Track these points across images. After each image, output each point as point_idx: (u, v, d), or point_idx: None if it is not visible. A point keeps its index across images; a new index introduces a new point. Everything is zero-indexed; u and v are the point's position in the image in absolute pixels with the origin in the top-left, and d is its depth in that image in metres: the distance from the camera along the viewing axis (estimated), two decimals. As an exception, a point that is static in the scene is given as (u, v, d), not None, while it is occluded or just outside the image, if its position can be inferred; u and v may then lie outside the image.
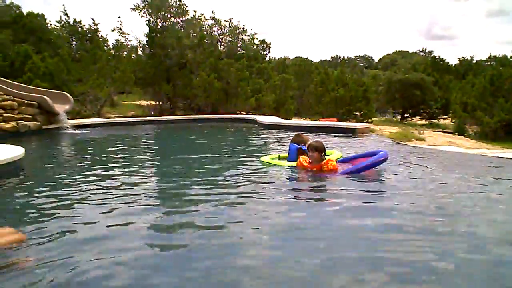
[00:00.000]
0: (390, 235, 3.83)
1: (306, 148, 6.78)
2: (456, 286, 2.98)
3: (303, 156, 6.74)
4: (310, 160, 6.57)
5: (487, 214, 4.64)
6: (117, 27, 25.23)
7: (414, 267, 3.21)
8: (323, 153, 6.52)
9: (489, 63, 61.08)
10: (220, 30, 27.46)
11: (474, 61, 60.04)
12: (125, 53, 25.24)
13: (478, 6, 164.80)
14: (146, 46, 25.63)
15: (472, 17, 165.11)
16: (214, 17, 27.19)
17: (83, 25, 25.65)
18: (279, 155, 7.69)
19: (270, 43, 28.02)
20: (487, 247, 3.62)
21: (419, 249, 3.53)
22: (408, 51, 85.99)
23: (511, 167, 7.98)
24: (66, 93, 16.18)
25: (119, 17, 25.45)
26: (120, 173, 6.92)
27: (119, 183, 5.95)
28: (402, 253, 3.44)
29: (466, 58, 60.62)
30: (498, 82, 27.68)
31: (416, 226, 4.09)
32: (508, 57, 56.38)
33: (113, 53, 24.58)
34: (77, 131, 14.75)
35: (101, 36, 25.53)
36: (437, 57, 55.50)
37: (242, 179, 6.16)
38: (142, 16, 25.73)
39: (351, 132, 13.33)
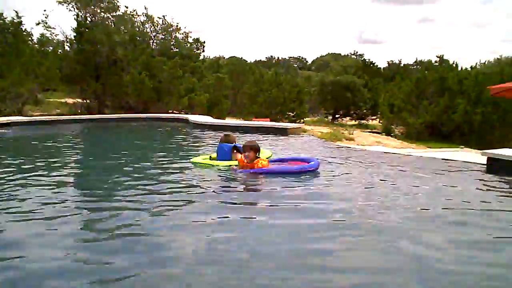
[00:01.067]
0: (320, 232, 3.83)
1: (241, 147, 6.76)
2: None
3: (242, 155, 6.70)
4: (244, 160, 6.55)
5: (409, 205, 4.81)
6: (42, 21, 23.90)
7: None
8: (258, 153, 6.53)
9: (415, 67, 64.14)
10: (153, 27, 26.80)
11: (402, 65, 62.83)
12: (51, 48, 23.98)
13: (407, 13, 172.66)
14: (74, 41, 24.49)
15: (401, 22, 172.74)
16: (147, 13, 26.46)
17: (5, 18, 24.10)
18: (210, 156, 7.55)
19: (204, 42, 27.70)
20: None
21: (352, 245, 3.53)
22: (340, 54, 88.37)
23: (433, 164, 8.31)
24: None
25: (44, 10, 23.88)
26: (40, 175, 6.42)
27: (37, 186, 5.51)
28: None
29: (394, 61, 63.35)
30: (423, 86, 28.91)
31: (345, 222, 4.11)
32: (433, 61, 59.43)
33: (38, 48, 23.27)
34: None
35: (25, 29, 24.11)
36: (367, 60, 57.49)
37: (172, 181, 5.97)
38: (70, 10, 24.56)
39: (284, 132, 13.39)
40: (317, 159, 7.11)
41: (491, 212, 4.81)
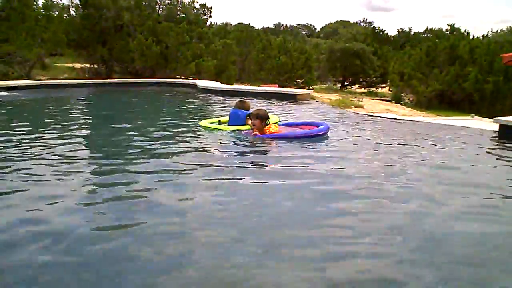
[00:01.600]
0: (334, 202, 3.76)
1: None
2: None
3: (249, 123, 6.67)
4: (252, 127, 6.50)
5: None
6: (47, -15, 23.53)
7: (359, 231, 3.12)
8: (266, 120, 6.46)
9: (425, 35, 62.99)
10: (159, -9, 26.37)
11: (412, 33, 61.75)
12: (56, 12, 23.68)
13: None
14: (79, 6, 24.17)
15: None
16: (152, -22, 26.00)
17: (9, -18, 23.74)
18: (219, 120, 7.47)
19: (211, 8, 27.26)
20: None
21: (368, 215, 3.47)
22: (349, 21, 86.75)
23: (443, 131, 8.21)
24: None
25: (49, -26, 23.52)
26: (49, 140, 6.27)
27: (47, 152, 5.42)
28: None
29: (404, 29, 62.25)
30: (433, 54, 28.48)
31: (359, 191, 4.03)
32: (444, 30, 58.33)
33: (43, 12, 22.98)
34: (2, 93, 13.75)
35: (30, -7, 23.77)
36: (377, 28, 56.59)
37: (181, 145, 5.91)
38: (74, -27, 24.14)
39: (292, 98, 13.24)
40: (327, 123, 7.03)
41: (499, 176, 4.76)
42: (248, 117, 6.85)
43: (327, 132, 6.63)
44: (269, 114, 6.68)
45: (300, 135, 6.43)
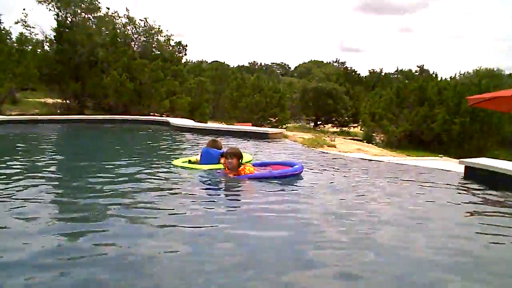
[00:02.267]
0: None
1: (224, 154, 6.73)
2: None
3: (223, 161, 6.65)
4: (228, 167, 6.46)
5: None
6: (21, 19, 23.52)
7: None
8: (241, 159, 6.47)
9: (396, 76, 64.90)
10: (134, 29, 26.61)
11: (383, 74, 63.53)
12: (30, 47, 23.57)
13: (388, 22, 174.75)
14: (54, 41, 24.11)
15: (382, 32, 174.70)
16: (128, 15, 26.32)
17: (-17, 16, 23.64)
18: (189, 160, 7.44)
19: (186, 45, 27.66)
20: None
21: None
22: (322, 61, 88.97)
23: (411, 171, 8.37)
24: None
25: (24, 9, 23.52)
26: (13, 176, 6.18)
27: (11, 188, 5.32)
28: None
29: (375, 70, 64.01)
30: (403, 95, 29.30)
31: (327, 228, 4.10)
32: (413, 71, 60.28)
33: (17, 47, 22.84)
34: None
35: (3, 28, 23.67)
36: (349, 68, 58.09)
37: (153, 184, 5.84)
38: (50, 9, 24.20)
39: (264, 136, 13.34)
40: (299, 162, 7.10)
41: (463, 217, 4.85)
42: (222, 156, 6.86)
43: (302, 171, 6.68)
44: (242, 153, 6.71)
45: (277, 175, 6.44)
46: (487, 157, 8.43)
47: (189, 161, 7.38)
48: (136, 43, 26.62)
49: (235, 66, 58.64)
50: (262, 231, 4.03)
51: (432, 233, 4.21)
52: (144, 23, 26.34)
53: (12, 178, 5.89)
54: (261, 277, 3.02)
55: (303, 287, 2.95)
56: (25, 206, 4.47)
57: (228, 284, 2.90)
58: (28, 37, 23.84)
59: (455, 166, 8.88)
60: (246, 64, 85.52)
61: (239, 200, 5.48)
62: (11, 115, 19.47)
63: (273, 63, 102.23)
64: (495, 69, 56.93)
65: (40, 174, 6.30)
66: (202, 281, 2.92)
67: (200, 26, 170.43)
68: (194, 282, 2.91)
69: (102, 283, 2.83)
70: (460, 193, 6.43)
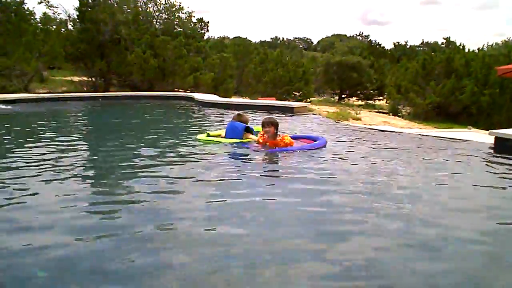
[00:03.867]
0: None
1: (252, 128, 6.94)
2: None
3: (260, 132, 6.73)
4: (265, 136, 6.54)
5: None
6: (44, 0, 23.72)
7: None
8: (277, 128, 6.56)
9: (421, 48, 63.40)
10: (155, 6, 26.58)
11: (408, 46, 62.20)
12: (54, 27, 23.79)
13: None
14: (77, 20, 24.28)
15: (406, 4, 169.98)
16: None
17: (7, -3, 23.85)
18: (208, 133, 7.48)
19: (208, 22, 27.49)
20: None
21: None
22: (345, 35, 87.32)
23: (440, 143, 8.24)
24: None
25: (46, -11, 23.73)
26: (46, 152, 6.33)
27: (46, 164, 5.45)
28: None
29: (400, 43, 62.69)
30: (429, 67, 28.62)
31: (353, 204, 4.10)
32: (439, 43, 58.80)
33: (41, 26, 23.10)
34: (1, 106, 13.80)
35: (27, 8, 23.90)
36: (373, 42, 56.98)
37: (180, 159, 5.92)
38: (72, -12, 24.33)
39: (289, 110, 13.29)
40: (323, 137, 7.11)
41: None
42: (247, 131, 6.93)
43: (325, 145, 6.71)
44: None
45: (307, 149, 6.53)
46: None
47: (208, 134, 7.43)
48: (158, 20, 26.60)
49: (257, 42, 58.21)
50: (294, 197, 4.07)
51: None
52: (165, 1, 26.25)
53: (47, 155, 6.06)
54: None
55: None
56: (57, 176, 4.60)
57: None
58: (52, 17, 24.09)
59: (484, 137, 8.72)
60: (268, 40, 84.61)
61: (267, 173, 5.49)
62: (39, 93, 19.83)
63: (296, 38, 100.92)
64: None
65: (70, 153, 6.44)
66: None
67: (221, 2, 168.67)
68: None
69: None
70: (488, 164, 6.33)
